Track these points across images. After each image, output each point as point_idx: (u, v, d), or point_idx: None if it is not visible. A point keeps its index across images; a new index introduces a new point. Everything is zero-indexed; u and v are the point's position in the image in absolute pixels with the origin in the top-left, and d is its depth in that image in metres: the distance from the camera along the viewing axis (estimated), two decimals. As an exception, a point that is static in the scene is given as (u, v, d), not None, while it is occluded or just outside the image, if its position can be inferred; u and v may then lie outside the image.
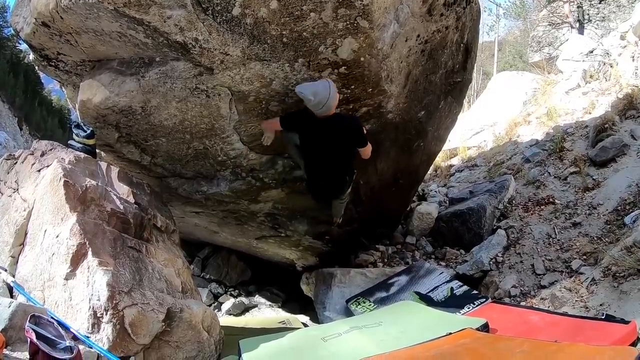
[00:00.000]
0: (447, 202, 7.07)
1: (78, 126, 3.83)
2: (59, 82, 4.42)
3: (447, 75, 4.82)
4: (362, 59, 3.47)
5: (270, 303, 6.65)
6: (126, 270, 2.91)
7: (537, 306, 4.22)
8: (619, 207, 5.08)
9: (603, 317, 3.30)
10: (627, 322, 3.08)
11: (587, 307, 3.92)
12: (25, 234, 3.20)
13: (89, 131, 3.76)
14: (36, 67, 4.26)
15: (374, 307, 4.60)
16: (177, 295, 3.27)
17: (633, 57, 8.39)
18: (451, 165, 9.61)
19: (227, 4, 2.97)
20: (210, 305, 6.43)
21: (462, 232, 6.00)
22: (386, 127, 4.28)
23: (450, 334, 3.13)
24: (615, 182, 5.50)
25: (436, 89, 4.75)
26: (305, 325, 5.89)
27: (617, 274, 3.99)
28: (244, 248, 6.53)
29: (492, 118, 10.87)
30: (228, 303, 6.44)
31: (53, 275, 2.82)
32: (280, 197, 4.80)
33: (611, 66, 8.68)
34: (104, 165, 3.70)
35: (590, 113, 7.60)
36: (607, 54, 9.18)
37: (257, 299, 6.72)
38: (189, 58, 3.28)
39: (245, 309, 6.46)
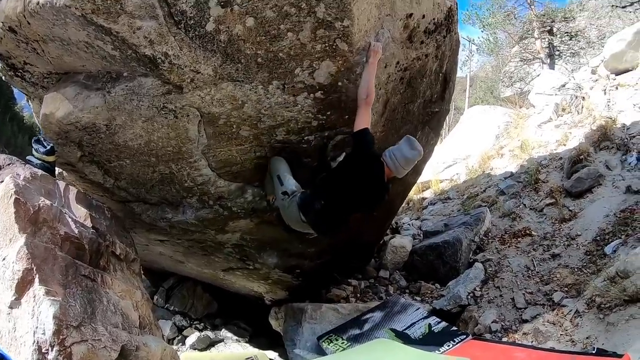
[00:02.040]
0: (421, 235, 6.94)
1: (38, 141, 3.57)
2: (26, 94, 4.18)
3: (426, 104, 4.73)
4: (339, 83, 3.33)
5: (237, 337, 6.33)
6: (77, 301, 2.61)
7: (520, 342, 4.09)
8: (598, 237, 5.10)
9: (594, 352, 3.18)
10: (620, 356, 2.96)
11: (573, 341, 3.84)
12: None
13: (48, 147, 3.51)
14: (3, 77, 4.00)
15: (347, 345, 4.37)
16: (133, 331, 2.98)
17: (605, 90, 8.75)
18: (424, 198, 9.56)
19: (201, 18, 2.82)
20: (174, 339, 6.10)
21: (437, 265, 5.85)
22: (362, 156, 4.12)
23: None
24: (593, 213, 5.54)
25: (414, 119, 4.64)
26: (273, 361, 5.61)
27: (602, 305, 3.94)
28: (210, 279, 6.24)
29: (465, 151, 10.92)
30: (193, 337, 6.09)
31: (-3, 302, 2.51)
32: (249, 228, 4.57)
33: (583, 99, 8.93)
34: (62, 184, 3.42)
35: (564, 145, 7.71)
36: (579, 87, 9.49)
37: (224, 333, 6.39)
38: (157, 74, 3.09)
39: (211, 344, 6.12)
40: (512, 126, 10.41)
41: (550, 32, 17.15)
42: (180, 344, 6.06)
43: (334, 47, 3.11)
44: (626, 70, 8.86)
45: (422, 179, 9.71)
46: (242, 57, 3.02)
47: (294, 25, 2.97)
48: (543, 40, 17.03)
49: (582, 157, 6.39)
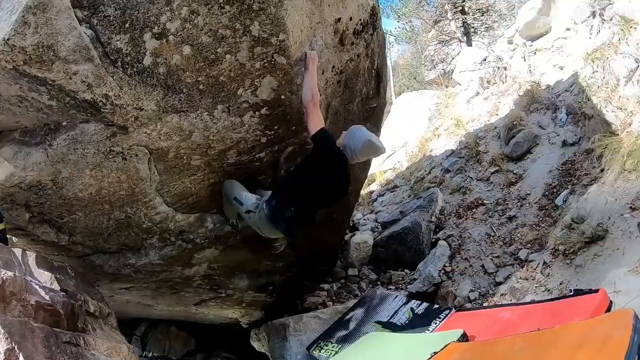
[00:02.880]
0: (380, 227, 7.05)
1: (-17, 209, 3.39)
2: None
3: (364, 102, 4.86)
4: (282, 97, 3.38)
5: (224, 368, 6.23)
6: None
7: (500, 303, 4.24)
8: (547, 192, 5.46)
9: (572, 294, 3.31)
10: (596, 291, 3.11)
11: (548, 290, 4.10)
12: None
13: None
14: None
15: (338, 347, 4.37)
16: None
17: (524, 57, 9.29)
18: (372, 192, 9.72)
19: (137, 53, 2.79)
20: (160, 386, 5.93)
21: (402, 252, 5.98)
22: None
23: (436, 353, 3.00)
24: (536, 171, 5.93)
25: (355, 118, 4.74)
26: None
27: (566, 252, 4.22)
28: (182, 316, 6.12)
29: (402, 139, 11.17)
30: (180, 379, 5.96)
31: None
32: (215, 256, 4.53)
33: (505, 69, 9.46)
34: (18, 252, 3.24)
35: (496, 115, 8.09)
36: (499, 58, 10.02)
37: (209, 366, 6.28)
38: (99, 118, 3.00)
39: (198, 381, 6.01)
40: (443, 106, 10.76)
41: (463, 11, 17.86)
42: (168, 389, 5.91)
43: (272, 62, 3.16)
44: (540, 36, 9.38)
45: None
46: (183, 86, 3.01)
47: (231, 47, 2.99)
48: (457, 21, 17.77)
49: (515, 122, 6.76)
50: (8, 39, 2.47)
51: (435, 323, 3.97)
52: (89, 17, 2.62)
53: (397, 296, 4.76)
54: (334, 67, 3.96)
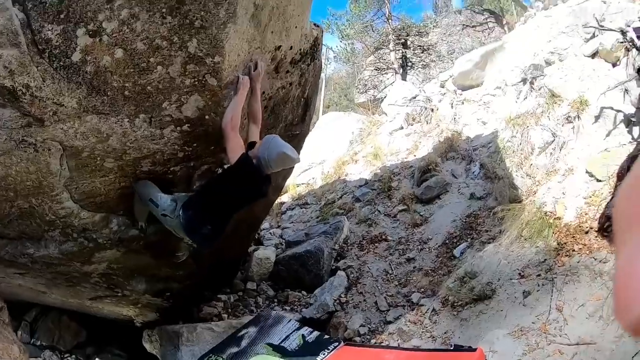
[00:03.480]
0: (284, 244, 7.18)
1: None
2: None
3: (287, 128, 4.97)
4: (206, 117, 3.44)
5: (113, 365, 6.06)
6: None
7: (386, 342, 4.51)
8: (447, 241, 5.74)
9: (452, 348, 3.59)
10: (474, 350, 3.38)
11: (433, 337, 4.34)
12: None
13: None
14: None
15: (228, 364, 4.46)
16: None
17: (452, 104, 9.70)
18: (282, 203, 9.85)
19: (67, 47, 2.73)
20: (46, 376, 5.67)
21: (302, 274, 6.16)
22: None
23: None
24: (441, 218, 6.23)
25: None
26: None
27: (455, 304, 4.47)
28: (76, 307, 5.89)
29: (320, 156, 11.41)
30: (67, 372, 5.74)
31: None
32: (115, 258, 4.44)
33: (432, 110, 9.88)
34: None
35: (414, 154, 8.47)
36: (429, 99, 10.44)
37: (98, 362, 6.08)
38: (17, 106, 2.88)
39: (86, 376, 5.81)
40: (366, 133, 11.15)
41: (405, 44, 18.67)
42: (54, 380, 5.66)
43: (203, 82, 3.23)
44: (471, 87, 9.87)
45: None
46: (108, 89, 2.98)
47: (165, 59, 3.02)
48: (397, 52, 18.47)
49: (430, 167, 7.13)
50: None
51: (324, 354, 4.13)
52: None
53: (290, 320, 4.89)
54: (263, 92, 4.04)
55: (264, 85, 3.97)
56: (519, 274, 4.29)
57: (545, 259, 4.28)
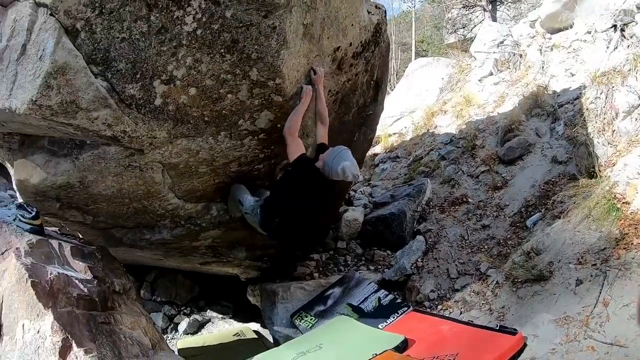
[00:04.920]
0: (372, 205, 7.58)
1: (21, 207, 4.01)
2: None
3: (360, 110, 5.26)
4: (279, 125, 3.88)
5: (221, 316, 7.06)
6: (106, 348, 3.25)
7: (450, 310, 4.83)
8: (522, 209, 5.70)
9: (497, 328, 3.93)
10: (514, 334, 3.74)
11: (491, 310, 4.49)
12: (0, 325, 3.43)
13: (34, 213, 3.96)
14: None
15: (314, 320, 5.16)
16: (149, 354, 3.63)
17: (540, 49, 9.12)
18: (375, 155, 10.18)
19: (148, 97, 3.27)
20: (167, 328, 6.83)
21: (387, 235, 6.57)
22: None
23: (376, 355, 3.73)
24: (521, 182, 6.14)
25: (350, 126, 5.19)
26: (257, 333, 6.44)
27: (516, 279, 4.52)
28: (189, 269, 6.89)
29: (411, 105, 11.49)
30: (183, 323, 6.82)
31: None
32: (218, 235, 5.16)
33: (521, 56, 9.43)
34: (55, 244, 3.93)
35: (501, 105, 8.30)
36: (517, 44, 9.91)
37: (209, 313, 7.11)
38: (119, 145, 3.55)
39: (200, 325, 6.86)
40: (455, 79, 10.95)
41: None
42: (174, 331, 6.78)
43: (269, 100, 3.66)
44: (560, 30, 9.13)
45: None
46: (190, 119, 3.52)
47: (232, 88, 3.48)
48: None
49: (513, 126, 6.98)
50: (35, 100, 2.95)
51: (393, 317, 4.68)
52: (103, 71, 3.08)
53: (370, 283, 5.43)
54: (329, 90, 4.41)
55: (328, 84, 4.32)
56: (578, 259, 4.16)
57: (605, 248, 4.09)
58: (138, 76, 3.18)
